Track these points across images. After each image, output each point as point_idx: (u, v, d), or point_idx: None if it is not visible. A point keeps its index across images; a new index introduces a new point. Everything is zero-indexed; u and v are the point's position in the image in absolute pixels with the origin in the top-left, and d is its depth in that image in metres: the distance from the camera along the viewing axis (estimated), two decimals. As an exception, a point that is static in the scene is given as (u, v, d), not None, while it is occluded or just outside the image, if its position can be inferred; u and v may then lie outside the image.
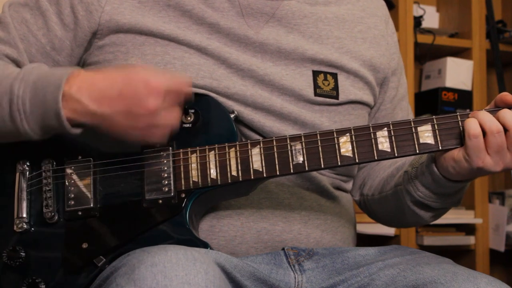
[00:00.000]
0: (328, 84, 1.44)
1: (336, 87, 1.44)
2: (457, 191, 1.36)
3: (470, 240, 2.98)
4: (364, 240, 2.63)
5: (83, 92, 1.22)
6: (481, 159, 1.24)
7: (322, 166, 1.27)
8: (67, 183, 1.33)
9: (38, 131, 1.26)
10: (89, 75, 1.25)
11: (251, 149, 1.29)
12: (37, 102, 1.24)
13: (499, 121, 1.24)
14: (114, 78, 1.23)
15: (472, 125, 1.23)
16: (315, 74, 1.43)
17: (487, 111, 1.26)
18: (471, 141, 1.23)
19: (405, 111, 1.61)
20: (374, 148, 1.27)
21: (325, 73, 1.44)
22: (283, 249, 1.38)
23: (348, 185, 1.54)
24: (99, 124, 1.24)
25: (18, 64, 1.39)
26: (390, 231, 2.78)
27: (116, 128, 1.24)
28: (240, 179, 1.28)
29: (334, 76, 1.45)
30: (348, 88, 1.46)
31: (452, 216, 2.92)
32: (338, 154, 1.27)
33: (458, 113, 1.27)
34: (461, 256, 3.00)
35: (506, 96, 1.26)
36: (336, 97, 1.44)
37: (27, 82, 1.25)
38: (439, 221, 2.87)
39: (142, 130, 1.23)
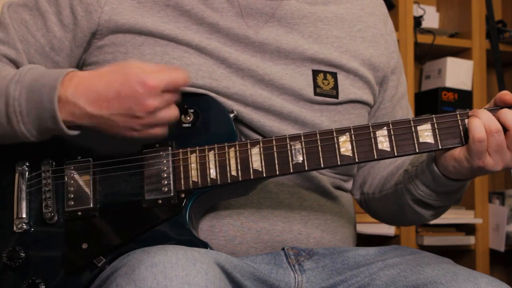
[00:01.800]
0: (328, 84, 1.44)
1: (335, 87, 1.45)
2: (457, 190, 1.36)
3: (470, 240, 2.98)
4: (364, 240, 2.63)
5: (80, 94, 1.22)
6: (481, 160, 1.24)
7: (322, 165, 1.27)
8: (66, 184, 1.33)
9: (36, 133, 1.26)
10: (84, 76, 1.25)
11: (250, 149, 1.29)
12: (33, 104, 1.24)
13: (499, 120, 1.23)
14: (111, 79, 1.23)
15: (477, 128, 1.23)
16: (315, 73, 1.43)
17: (487, 110, 1.26)
18: (475, 145, 1.23)
19: (405, 109, 1.61)
20: (374, 148, 1.27)
21: (325, 73, 1.44)
22: (283, 249, 1.38)
23: (348, 185, 1.54)
24: (98, 126, 1.24)
25: (17, 64, 1.39)
26: (390, 231, 2.78)
27: (115, 129, 1.24)
28: (240, 179, 1.28)
29: (334, 75, 1.45)
30: (348, 88, 1.46)
31: (452, 216, 2.91)
32: (337, 154, 1.27)
33: (457, 112, 1.27)
34: (461, 256, 3.00)
35: (505, 95, 1.26)
36: (336, 97, 1.44)
37: (23, 83, 1.25)
38: (439, 221, 2.89)
39: (141, 130, 1.23)
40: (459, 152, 1.26)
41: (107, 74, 1.24)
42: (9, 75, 1.28)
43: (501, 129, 1.23)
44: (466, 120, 1.26)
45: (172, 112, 1.24)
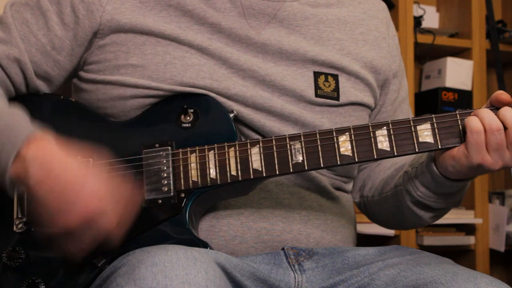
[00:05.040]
0: (329, 86, 1.44)
1: (337, 89, 1.45)
2: (457, 191, 1.36)
3: (470, 240, 2.98)
4: (364, 240, 2.62)
5: (36, 162, 1.20)
6: (480, 156, 1.23)
7: (322, 165, 1.27)
8: (66, 184, 1.32)
9: None
10: (51, 148, 1.22)
11: (250, 149, 1.29)
12: None
13: (499, 118, 1.23)
14: (70, 169, 1.20)
15: (473, 121, 1.23)
16: (316, 75, 1.43)
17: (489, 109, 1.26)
18: (472, 136, 1.22)
19: (406, 113, 1.61)
20: (374, 147, 1.27)
21: (326, 74, 1.44)
22: (283, 249, 1.38)
23: (349, 186, 1.54)
24: (29, 197, 1.22)
25: (20, 63, 1.39)
26: (390, 231, 2.78)
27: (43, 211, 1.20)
28: (240, 179, 1.28)
29: (335, 77, 1.45)
30: (349, 90, 1.46)
31: (452, 216, 2.91)
32: (337, 153, 1.27)
33: (457, 112, 1.27)
34: (461, 256, 3.00)
35: (501, 94, 1.26)
36: (337, 99, 1.44)
37: None
38: (439, 221, 2.86)
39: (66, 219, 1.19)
40: (457, 150, 1.26)
41: (71, 163, 1.21)
42: None
43: (502, 127, 1.23)
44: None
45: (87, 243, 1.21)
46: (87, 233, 1.20)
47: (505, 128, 1.23)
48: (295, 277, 1.36)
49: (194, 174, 1.30)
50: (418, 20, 3.08)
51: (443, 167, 1.29)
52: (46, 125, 1.34)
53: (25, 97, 1.42)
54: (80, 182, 1.20)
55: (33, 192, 1.20)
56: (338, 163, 1.27)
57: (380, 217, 1.58)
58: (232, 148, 1.29)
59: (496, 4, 3.30)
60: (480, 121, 1.23)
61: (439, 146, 1.26)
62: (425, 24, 3.14)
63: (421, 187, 1.37)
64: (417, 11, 3.11)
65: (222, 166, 1.29)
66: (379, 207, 1.54)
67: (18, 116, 1.29)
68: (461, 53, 3.11)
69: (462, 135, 1.26)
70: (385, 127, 1.27)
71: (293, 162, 1.28)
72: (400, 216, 1.47)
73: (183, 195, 1.30)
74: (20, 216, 1.33)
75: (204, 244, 1.27)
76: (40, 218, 1.20)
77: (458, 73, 3.06)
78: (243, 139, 1.34)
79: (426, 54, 3.12)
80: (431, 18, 3.22)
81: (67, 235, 1.20)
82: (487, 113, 1.24)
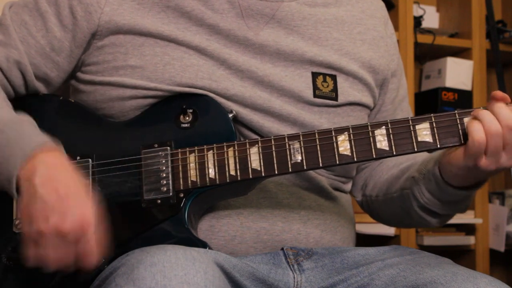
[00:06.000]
0: (327, 86, 1.44)
1: (335, 89, 1.45)
2: (462, 199, 1.37)
3: (470, 240, 2.98)
4: (363, 240, 2.63)
5: (45, 164, 1.21)
6: (477, 161, 1.24)
7: (321, 165, 1.27)
8: (65, 184, 1.32)
9: None
10: (61, 158, 1.24)
11: (249, 149, 1.29)
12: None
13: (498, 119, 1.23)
14: (76, 181, 1.21)
15: (476, 130, 1.23)
16: (314, 75, 1.43)
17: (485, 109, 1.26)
18: (475, 147, 1.23)
19: (406, 112, 1.61)
20: (373, 147, 1.27)
21: (324, 75, 1.44)
22: (282, 249, 1.38)
23: (347, 186, 1.54)
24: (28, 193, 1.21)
25: (20, 65, 1.39)
26: (390, 231, 2.78)
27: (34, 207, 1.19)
28: (239, 179, 1.28)
29: (333, 77, 1.45)
30: (347, 90, 1.46)
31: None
32: (336, 153, 1.27)
33: (456, 111, 1.27)
34: (461, 256, 2.99)
35: (496, 94, 1.26)
36: (335, 99, 1.44)
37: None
38: (439, 220, 2.87)
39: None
40: (457, 152, 1.26)
41: (78, 182, 1.22)
42: None
43: (501, 131, 1.23)
44: (465, 119, 1.26)
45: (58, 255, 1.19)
46: (72, 244, 1.18)
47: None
48: (294, 277, 1.35)
49: (193, 174, 1.30)
50: (418, 20, 3.08)
51: (447, 174, 1.30)
52: (46, 126, 1.34)
53: (25, 98, 1.42)
54: (83, 195, 1.20)
55: (35, 187, 1.19)
56: (337, 162, 1.27)
57: (384, 217, 1.58)
58: (231, 148, 1.30)
59: (496, 4, 3.30)
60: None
61: (438, 146, 1.26)
62: (425, 24, 3.13)
63: (426, 193, 1.38)
64: (417, 11, 3.10)
65: (221, 166, 1.29)
66: (384, 207, 1.54)
67: (28, 125, 1.30)
68: (461, 53, 3.11)
69: (462, 134, 1.26)
70: (384, 127, 1.27)
71: (292, 162, 1.28)
72: (406, 217, 1.48)
73: (182, 195, 1.30)
74: (19, 216, 1.33)
75: (203, 244, 1.27)
76: (35, 213, 1.18)
77: (458, 73, 3.06)
78: (241, 139, 1.34)
79: (426, 54, 3.11)
80: (431, 18, 3.22)
81: (53, 237, 1.17)
82: (487, 116, 1.24)
